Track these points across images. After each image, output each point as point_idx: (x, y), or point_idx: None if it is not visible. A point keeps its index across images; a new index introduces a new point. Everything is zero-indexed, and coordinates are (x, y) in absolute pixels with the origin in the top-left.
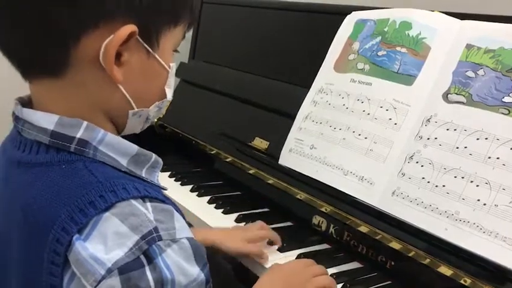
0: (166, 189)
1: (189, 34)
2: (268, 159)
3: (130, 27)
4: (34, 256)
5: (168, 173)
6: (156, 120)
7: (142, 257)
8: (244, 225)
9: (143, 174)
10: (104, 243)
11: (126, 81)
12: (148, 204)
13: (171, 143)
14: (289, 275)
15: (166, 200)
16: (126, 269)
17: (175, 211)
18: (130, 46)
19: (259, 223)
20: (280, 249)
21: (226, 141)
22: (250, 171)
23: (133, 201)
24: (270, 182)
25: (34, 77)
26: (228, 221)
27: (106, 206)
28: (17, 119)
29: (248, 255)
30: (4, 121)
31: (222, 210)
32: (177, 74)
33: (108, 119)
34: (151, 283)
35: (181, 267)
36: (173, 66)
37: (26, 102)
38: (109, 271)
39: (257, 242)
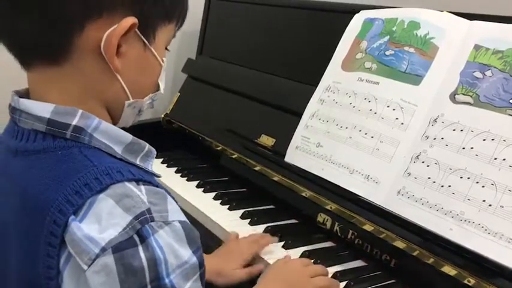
0: (160, 176)
1: (197, 30)
2: (274, 157)
3: (132, 19)
4: (32, 241)
5: (175, 169)
6: (163, 115)
7: (135, 237)
8: (249, 222)
9: (137, 162)
10: (99, 223)
11: (123, 72)
12: (142, 186)
13: (178, 139)
14: (288, 275)
15: (159, 185)
16: (119, 248)
17: (168, 194)
18: (129, 38)
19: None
20: (285, 246)
21: (233, 137)
22: (256, 168)
23: (127, 184)
24: (276, 179)
25: (34, 63)
26: (234, 217)
27: (101, 188)
28: (13, 110)
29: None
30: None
31: (227, 206)
32: (184, 70)
33: (104, 108)
34: (144, 261)
35: (173, 249)
36: (165, 61)
37: (23, 94)
38: (103, 250)
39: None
